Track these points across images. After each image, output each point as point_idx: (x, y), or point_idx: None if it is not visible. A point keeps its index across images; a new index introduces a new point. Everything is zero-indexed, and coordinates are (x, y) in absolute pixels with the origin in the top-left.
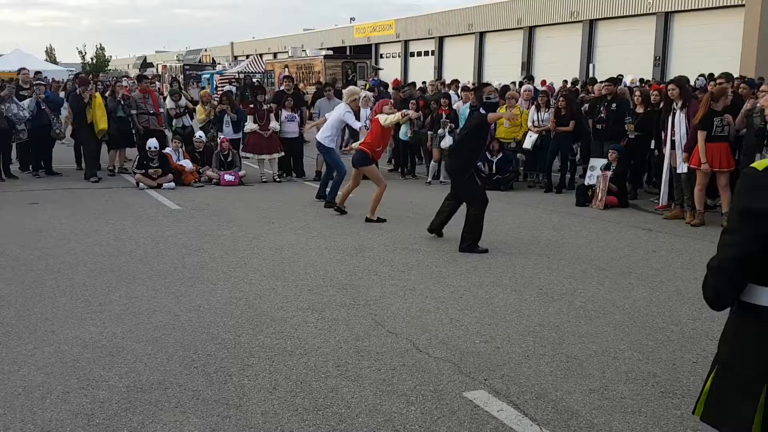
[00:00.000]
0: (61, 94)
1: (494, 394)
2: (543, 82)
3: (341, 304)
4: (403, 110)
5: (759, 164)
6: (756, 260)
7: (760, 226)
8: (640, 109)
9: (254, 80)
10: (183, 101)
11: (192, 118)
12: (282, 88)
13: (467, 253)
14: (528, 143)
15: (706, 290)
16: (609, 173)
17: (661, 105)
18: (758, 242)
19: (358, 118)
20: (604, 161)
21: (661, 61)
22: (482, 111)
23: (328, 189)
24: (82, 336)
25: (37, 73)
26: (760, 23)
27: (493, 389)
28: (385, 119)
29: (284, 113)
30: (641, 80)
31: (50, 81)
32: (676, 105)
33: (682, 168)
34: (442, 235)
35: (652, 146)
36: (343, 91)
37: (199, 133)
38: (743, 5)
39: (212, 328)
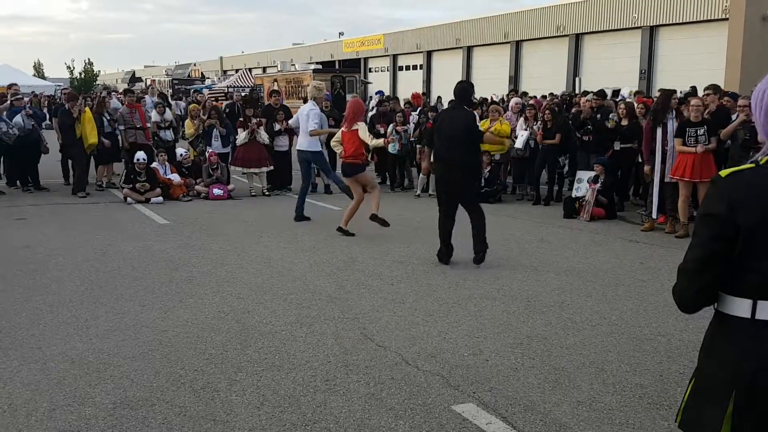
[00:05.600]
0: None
1: (483, 407)
2: (535, 100)
3: (330, 317)
4: (387, 138)
5: (724, 172)
6: (717, 262)
7: (717, 227)
8: (624, 122)
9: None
10: (168, 115)
11: (176, 132)
12: (269, 102)
13: (482, 263)
14: (519, 142)
15: (674, 292)
16: (597, 186)
17: (646, 116)
18: (717, 243)
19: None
20: (592, 173)
21: (647, 74)
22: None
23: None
24: (68, 352)
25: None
26: (743, 36)
27: (481, 402)
28: (370, 139)
29: (277, 127)
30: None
31: (32, 95)
32: (669, 115)
33: (667, 177)
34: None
35: (640, 159)
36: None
37: (180, 150)
38: (727, 19)
39: (200, 344)
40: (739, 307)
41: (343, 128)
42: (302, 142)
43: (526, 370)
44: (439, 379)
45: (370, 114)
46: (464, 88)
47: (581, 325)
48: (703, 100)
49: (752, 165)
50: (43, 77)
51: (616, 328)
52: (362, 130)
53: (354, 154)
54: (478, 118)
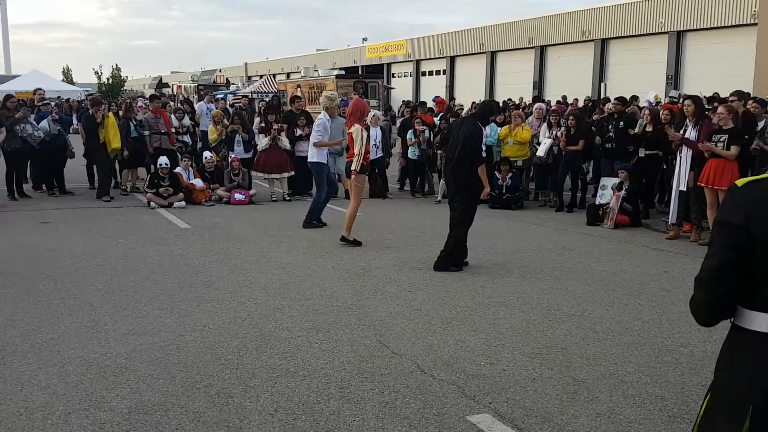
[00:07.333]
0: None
1: (499, 418)
2: (558, 106)
3: (346, 324)
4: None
5: (740, 181)
6: (733, 272)
7: (733, 237)
8: (649, 128)
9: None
10: (186, 121)
11: (193, 138)
12: (291, 108)
13: (442, 271)
14: (542, 151)
15: (691, 304)
16: (622, 193)
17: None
18: (732, 252)
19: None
20: (616, 180)
21: (674, 80)
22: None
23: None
24: (86, 356)
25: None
26: None
27: (497, 413)
28: (357, 149)
29: (299, 132)
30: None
31: (62, 100)
32: (689, 121)
33: (684, 185)
34: (467, 264)
35: (665, 166)
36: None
37: (206, 153)
38: (755, 24)
39: (216, 349)
40: (756, 321)
41: (348, 129)
42: (309, 153)
43: (544, 381)
44: (454, 389)
45: (399, 119)
46: (486, 105)
47: (602, 335)
48: (732, 106)
49: None
50: (71, 82)
51: (638, 339)
52: (356, 134)
53: (365, 155)
54: (485, 134)
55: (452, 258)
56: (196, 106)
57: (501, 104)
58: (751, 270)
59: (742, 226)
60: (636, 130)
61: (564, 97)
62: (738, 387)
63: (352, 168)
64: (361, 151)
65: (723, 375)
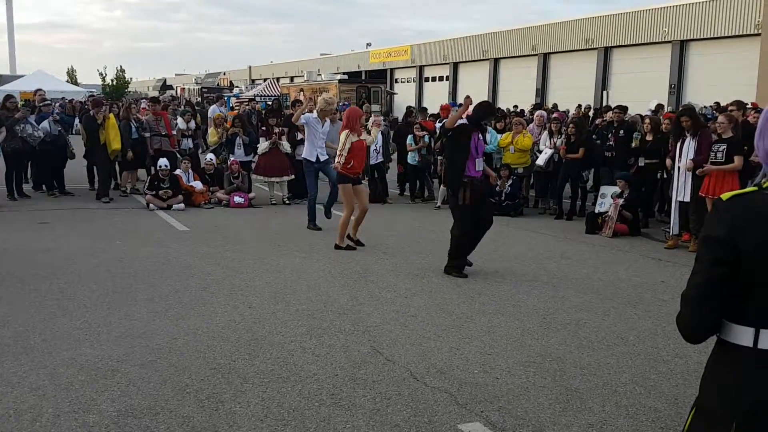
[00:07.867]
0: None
1: (490, 427)
2: (560, 114)
3: (341, 329)
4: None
5: (725, 195)
6: (720, 288)
7: (718, 252)
8: (649, 137)
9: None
10: (192, 124)
11: (195, 141)
12: (292, 111)
13: (451, 274)
14: (541, 160)
15: (677, 321)
16: (621, 201)
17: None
18: (718, 268)
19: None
20: (616, 189)
21: (677, 89)
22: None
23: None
24: (78, 358)
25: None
26: None
27: (489, 422)
28: (339, 147)
29: (299, 136)
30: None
31: (65, 101)
32: (687, 132)
33: (684, 195)
34: (471, 264)
35: (665, 175)
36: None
37: (209, 155)
38: (759, 34)
39: (208, 353)
40: (741, 336)
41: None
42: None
43: (537, 390)
44: (446, 397)
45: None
46: (479, 108)
47: (597, 345)
48: (732, 115)
49: (755, 188)
50: (76, 83)
51: (633, 349)
52: (343, 135)
53: (345, 164)
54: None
55: (455, 261)
56: (209, 110)
57: (503, 110)
58: (737, 284)
59: (727, 240)
60: (633, 144)
61: (554, 105)
62: (722, 402)
63: (336, 160)
64: (342, 151)
65: (708, 389)
